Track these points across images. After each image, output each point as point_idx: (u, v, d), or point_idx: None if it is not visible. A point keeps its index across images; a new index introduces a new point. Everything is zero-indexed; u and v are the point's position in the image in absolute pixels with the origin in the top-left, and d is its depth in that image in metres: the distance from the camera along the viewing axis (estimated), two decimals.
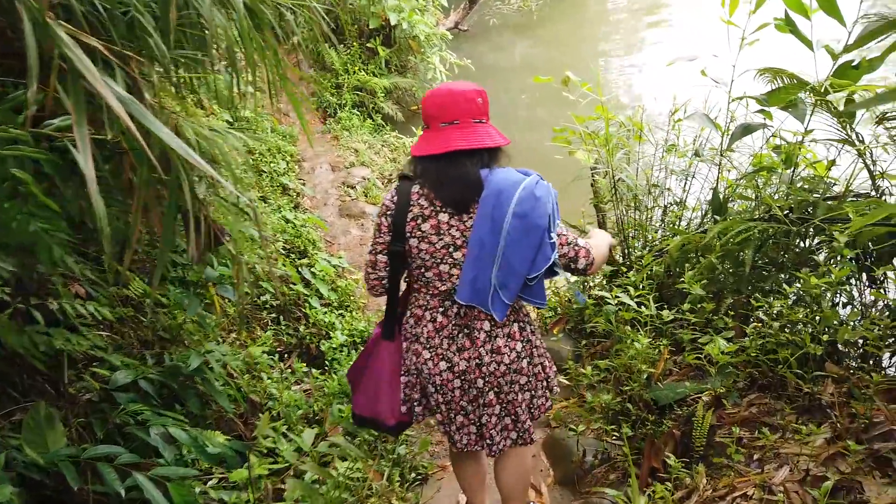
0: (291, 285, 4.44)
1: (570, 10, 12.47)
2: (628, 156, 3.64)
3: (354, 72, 7.58)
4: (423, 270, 1.83)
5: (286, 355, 4.12)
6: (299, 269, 4.68)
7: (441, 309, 1.86)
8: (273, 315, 4.25)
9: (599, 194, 3.77)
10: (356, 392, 2.08)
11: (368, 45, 7.66)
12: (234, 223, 3.40)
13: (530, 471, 2.23)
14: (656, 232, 3.54)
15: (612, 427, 2.51)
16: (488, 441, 1.93)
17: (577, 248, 1.81)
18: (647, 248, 3.39)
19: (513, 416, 1.94)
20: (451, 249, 1.78)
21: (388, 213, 1.82)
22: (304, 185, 6.19)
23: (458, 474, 2.28)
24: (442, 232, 1.77)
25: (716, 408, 2.15)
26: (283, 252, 4.77)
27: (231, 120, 6.28)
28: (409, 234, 1.79)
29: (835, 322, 2.04)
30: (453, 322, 1.85)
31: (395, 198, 1.81)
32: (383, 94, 7.60)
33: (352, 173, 6.39)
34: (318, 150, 6.87)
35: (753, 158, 3.12)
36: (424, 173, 1.78)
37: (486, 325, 1.84)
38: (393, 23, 7.32)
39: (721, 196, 2.91)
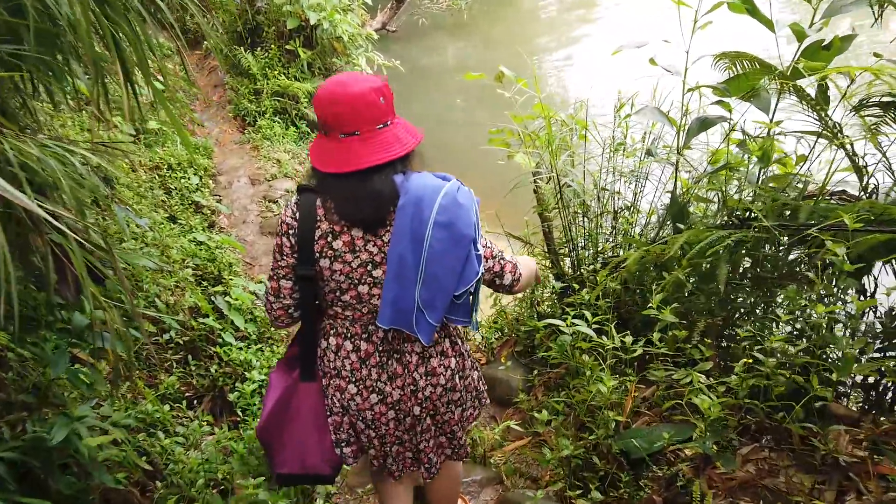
0: (203, 317, 3.89)
1: (500, 9, 12.20)
2: (572, 157, 3.27)
3: (274, 76, 7.02)
4: (338, 294, 1.65)
5: (196, 401, 3.58)
6: (212, 297, 4.13)
7: (364, 335, 1.69)
8: (180, 355, 3.70)
9: (543, 201, 3.39)
10: (276, 449, 1.82)
11: (288, 47, 7.11)
12: (125, 255, 2.85)
13: (460, 482, 2.18)
14: (608, 241, 3.18)
15: (578, 488, 2.10)
16: (426, 465, 1.84)
17: (503, 261, 1.70)
18: (600, 261, 3.02)
19: (448, 435, 1.86)
20: (369, 267, 1.60)
21: (291, 231, 1.61)
22: (219, 201, 5.61)
23: (385, 501, 2.08)
24: (357, 249, 1.59)
25: (703, 466, 1.76)
26: (194, 279, 4.21)
27: (134, 133, 5.66)
28: (318, 255, 1.60)
29: (845, 355, 1.68)
30: (380, 348, 1.69)
31: (298, 214, 1.60)
32: (307, 100, 7.06)
33: (274, 186, 5.84)
34: (237, 162, 6.29)
35: (711, 156, 2.80)
36: (329, 190, 1.59)
37: (418, 347, 1.69)
38: (313, 22, 6.81)
39: (680, 200, 2.56)
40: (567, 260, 3.41)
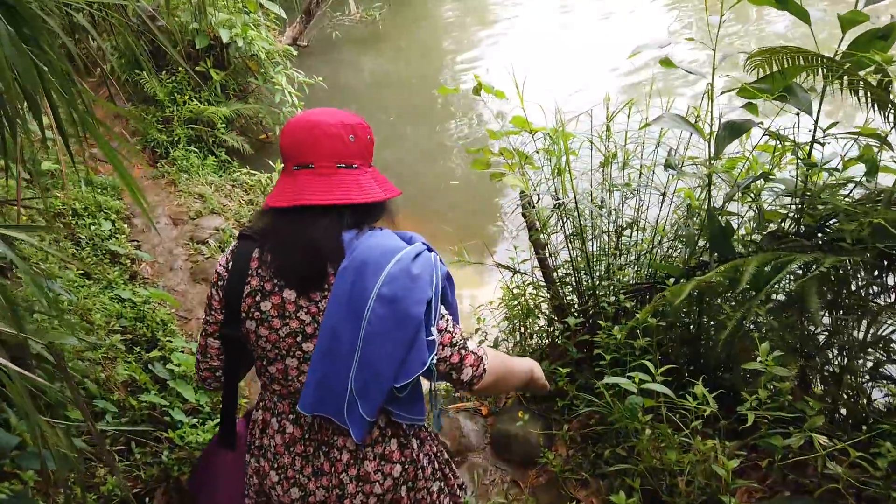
0: (142, 393, 3.26)
1: (411, 21, 11.86)
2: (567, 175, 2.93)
3: (185, 101, 6.34)
4: (265, 363, 1.41)
5: (147, 498, 2.96)
6: (150, 365, 3.50)
7: (292, 415, 1.43)
8: (121, 444, 3.07)
9: (536, 227, 3.04)
10: None
11: (198, 68, 6.45)
12: (46, 333, 2.26)
13: None
14: (620, 268, 2.86)
15: None
16: None
17: (463, 351, 1.37)
18: (619, 290, 2.69)
19: None
20: (299, 339, 1.35)
21: (220, 283, 1.41)
22: (138, 247, 4.92)
23: None
24: (288, 315, 1.34)
25: None
26: (124, 346, 3.56)
27: (28, 176, 4.87)
28: (244, 315, 1.37)
29: None
30: (307, 436, 1.42)
31: (231, 264, 1.39)
32: (224, 125, 6.42)
33: (200, 225, 5.20)
34: (152, 199, 5.58)
35: (727, 163, 2.54)
36: (264, 233, 1.37)
37: (351, 443, 1.39)
38: (225, 41, 6.20)
39: (722, 220, 2.26)
40: (568, 289, 3.07)
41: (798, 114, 2.09)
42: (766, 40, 8.08)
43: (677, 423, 2.01)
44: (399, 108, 8.44)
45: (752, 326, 2.13)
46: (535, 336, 3.41)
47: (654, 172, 2.93)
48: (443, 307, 1.38)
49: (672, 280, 2.22)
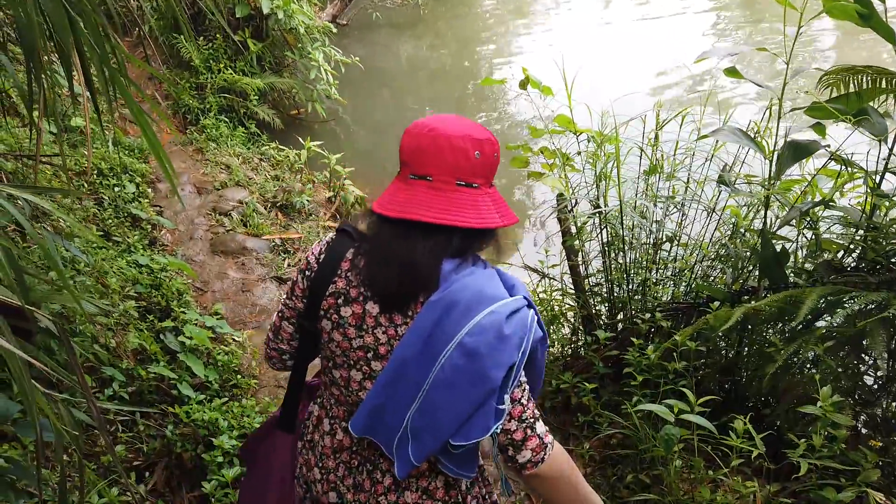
0: (151, 364, 3.19)
1: (451, 9, 11.69)
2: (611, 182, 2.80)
3: (219, 70, 6.26)
4: (330, 366, 1.33)
5: (147, 472, 2.89)
6: (161, 335, 3.43)
7: (344, 423, 1.37)
8: (125, 415, 3.00)
9: (571, 233, 2.91)
10: (247, 475, 1.66)
11: (236, 37, 6.36)
12: (57, 297, 2.18)
13: None
14: (656, 283, 2.72)
15: None
16: None
17: (529, 431, 1.23)
18: (653, 308, 2.56)
19: None
20: (369, 355, 1.27)
21: (308, 273, 1.34)
22: (160, 213, 4.85)
23: None
24: (365, 328, 1.26)
25: None
26: (137, 312, 3.50)
27: (55, 131, 4.82)
28: (323, 312, 1.29)
29: None
30: (355, 447, 1.36)
31: (323, 256, 1.32)
32: (257, 97, 6.34)
33: (224, 196, 5.12)
34: (178, 166, 5.52)
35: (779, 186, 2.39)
36: (364, 237, 1.28)
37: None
38: (265, 11, 6.10)
39: (775, 246, 2.12)
40: (597, 299, 2.94)
41: (880, 140, 1.94)
42: (816, 60, 7.83)
43: (712, 456, 1.89)
44: (433, 98, 8.32)
45: (799, 363, 2.00)
46: (556, 343, 3.29)
47: (700, 187, 2.79)
48: (523, 373, 1.24)
49: (717, 303, 2.09)
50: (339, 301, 1.27)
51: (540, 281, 3.17)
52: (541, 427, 1.26)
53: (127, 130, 5.98)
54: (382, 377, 1.23)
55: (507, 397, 1.19)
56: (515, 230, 5.35)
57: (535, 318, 1.23)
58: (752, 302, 2.18)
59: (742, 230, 2.69)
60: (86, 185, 4.46)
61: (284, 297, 1.40)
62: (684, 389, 1.84)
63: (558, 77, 2.87)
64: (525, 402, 1.24)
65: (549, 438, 1.26)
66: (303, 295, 1.35)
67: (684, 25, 9.69)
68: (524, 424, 1.23)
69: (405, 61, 9.63)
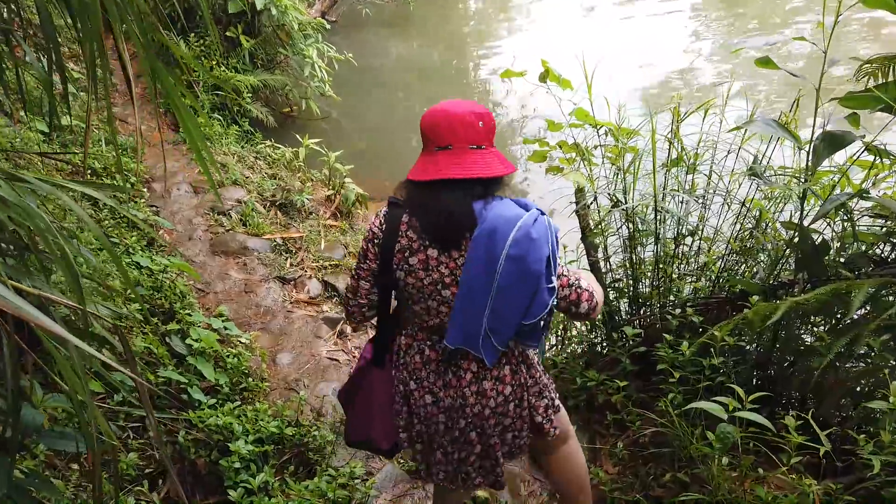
0: (159, 368, 3.10)
1: (440, 7, 11.61)
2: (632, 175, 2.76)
3: (211, 67, 6.13)
4: (410, 303, 1.76)
5: (160, 479, 2.80)
6: (167, 338, 3.34)
7: (429, 342, 1.80)
8: (137, 419, 2.90)
9: (591, 229, 2.87)
10: (349, 414, 2.01)
11: (228, 34, 6.25)
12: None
13: None
14: (680, 278, 2.69)
15: None
16: (463, 476, 1.91)
17: (579, 290, 1.72)
18: (684, 304, 2.52)
19: (492, 460, 1.88)
20: (439, 287, 1.69)
21: (375, 240, 1.74)
22: (157, 213, 4.73)
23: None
24: (430, 268, 1.68)
25: None
26: (141, 316, 3.39)
27: (47, 131, 4.68)
28: (395, 266, 1.71)
29: None
30: (440, 357, 1.78)
31: (384, 225, 1.72)
32: (250, 95, 6.23)
33: (222, 195, 5.01)
34: (172, 165, 5.39)
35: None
36: (411, 201, 1.70)
37: (474, 367, 1.77)
38: (258, 7, 5.99)
39: (813, 238, 2.09)
40: (615, 295, 2.90)
41: None
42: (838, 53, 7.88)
43: (757, 454, 1.85)
44: (425, 95, 8.25)
45: (845, 358, 1.96)
46: (573, 340, 3.25)
47: (721, 180, 2.76)
48: (560, 257, 1.69)
49: (756, 298, 2.05)
50: (406, 254, 1.67)
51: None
52: (584, 283, 1.72)
53: (118, 129, 5.83)
54: (459, 298, 1.63)
55: (553, 277, 1.62)
56: None
57: (548, 218, 1.65)
58: (788, 296, 2.15)
59: (766, 224, 2.67)
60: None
61: (357, 263, 1.77)
62: (733, 386, 1.79)
63: (560, 70, 2.82)
64: (567, 273, 1.71)
65: (588, 286, 1.73)
66: (374, 257, 1.73)
67: (669, 20, 9.71)
68: (572, 287, 1.70)
69: (395, 59, 9.54)
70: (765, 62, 2.24)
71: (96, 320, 2.69)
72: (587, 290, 1.72)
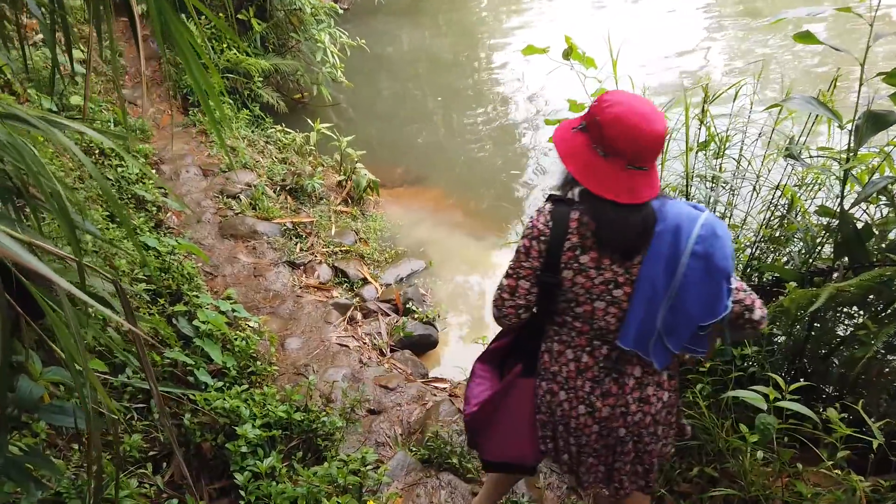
0: (164, 349, 3.01)
1: None
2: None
3: (222, 49, 6.05)
4: (573, 305, 1.66)
5: (164, 462, 2.72)
6: (174, 320, 3.25)
7: (588, 348, 1.71)
8: (141, 401, 2.82)
9: None
10: (483, 437, 1.92)
11: (239, 16, 6.15)
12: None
13: None
14: None
15: None
16: (616, 485, 1.84)
17: (752, 295, 1.62)
18: None
19: (646, 465, 1.81)
20: (611, 286, 1.60)
21: (542, 237, 1.62)
22: (165, 195, 4.65)
23: None
24: (603, 266, 1.59)
25: None
26: (148, 296, 3.31)
27: (54, 109, 4.60)
28: (563, 265, 1.61)
29: None
30: (601, 364, 1.70)
31: (551, 223, 1.61)
32: (261, 79, 6.14)
33: (231, 179, 4.93)
34: (181, 148, 5.31)
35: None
36: (596, 213, 1.55)
37: (637, 371, 1.69)
38: None
39: (855, 222, 1.98)
40: None
41: None
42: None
43: (794, 446, 1.75)
44: (436, 84, 8.14)
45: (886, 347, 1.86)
46: None
47: (751, 164, 2.66)
48: None
49: (793, 284, 1.95)
50: (577, 252, 1.57)
51: None
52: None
53: (127, 111, 5.76)
54: (638, 297, 1.56)
55: (733, 278, 1.55)
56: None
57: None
58: (826, 283, 2.05)
59: (797, 210, 2.56)
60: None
61: (516, 262, 1.66)
62: (772, 375, 1.69)
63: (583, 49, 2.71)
64: (738, 277, 1.62)
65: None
66: (539, 255, 1.61)
67: (680, 21, 9.55)
68: (747, 291, 1.60)
69: (407, 47, 9.43)
70: (804, 36, 2.13)
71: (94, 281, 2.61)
72: (757, 297, 1.61)
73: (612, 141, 1.48)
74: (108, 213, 3.86)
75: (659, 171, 1.60)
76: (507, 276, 1.69)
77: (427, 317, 3.89)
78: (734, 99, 2.66)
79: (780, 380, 1.65)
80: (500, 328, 1.90)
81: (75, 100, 4.93)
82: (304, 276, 4.17)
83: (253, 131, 5.89)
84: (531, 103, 7.54)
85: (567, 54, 2.77)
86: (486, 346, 1.99)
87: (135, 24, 1.74)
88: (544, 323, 1.76)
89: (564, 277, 1.61)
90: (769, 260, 2.63)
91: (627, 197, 1.50)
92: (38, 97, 4.72)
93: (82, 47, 6.46)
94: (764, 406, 1.60)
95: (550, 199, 1.65)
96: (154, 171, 4.81)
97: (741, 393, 1.64)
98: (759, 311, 1.59)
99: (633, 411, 1.69)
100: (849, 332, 2.16)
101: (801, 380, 2.18)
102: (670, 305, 1.55)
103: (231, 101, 6.02)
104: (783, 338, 2.21)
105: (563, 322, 1.71)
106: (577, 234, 1.57)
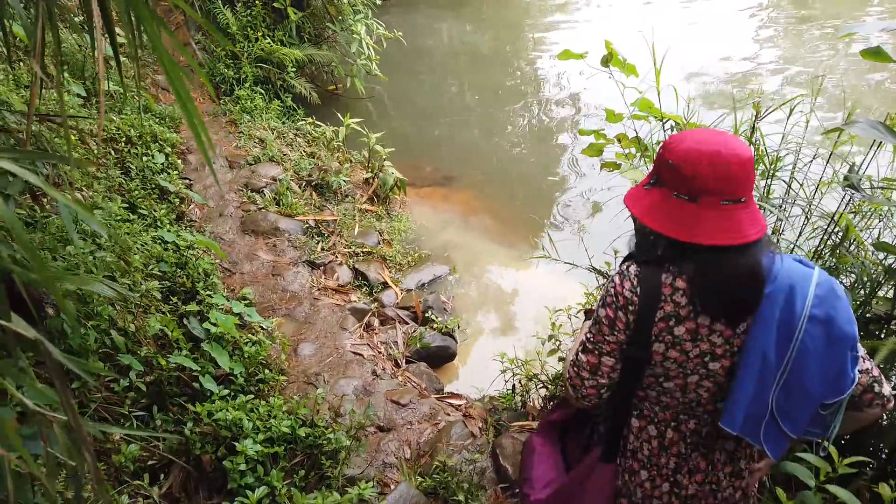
0: (171, 352, 2.92)
1: None
2: None
3: (257, 38, 5.96)
4: (661, 381, 1.46)
5: (162, 473, 2.62)
6: (185, 319, 3.16)
7: (673, 423, 1.51)
8: (143, 407, 2.73)
9: None
10: None
11: (275, 5, 6.05)
12: (72, 279, 1.88)
13: None
14: None
15: None
16: None
17: (877, 368, 1.38)
18: None
19: None
20: (706, 359, 1.39)
21: (630, 307, 1.38)
22: (190, 186, 4.58)
23: None
24: (700, 338, 1.37)
25: None
26: (161, 293, 3.22)
27: (84, 94, 4.56)
28: (654, 337, 1.39)
29: None
30: (688, 440, 1.51)
31: (639, 289, 1.36)
32: (294, 69, 6.04)
33: (257, 172, 4.84)
34: (210, 137, 5.23)
35: None
36: (696, 266, 1.33)
37: (730, 445, 1.50)
38: None
39: None
40: None
41: None
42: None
43: None
44: (475, 81, 7.95)
45: None
46: None
47: (803, 188, 2.43)
48: None
49: None
50: (671, 323, 1.37)
51: (602, 285, 2.83)
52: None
53: (159, 97, 5.72)
54: (747, 373, 1.34)
55: (859, 346, 1.34)
56: (579, 226, 4.98)
57: None
58: (884, 333, 1.82)
59: (851, 241, 2.32)
60: (113, 153, 4.19)
61: (596, 335, 1.44)
62: (827, 444, 1.48)
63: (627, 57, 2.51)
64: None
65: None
66: (625, 328, 1.41)
67: (728, 27, 9.13)
68: (872, 363, 1.38)
69: (447, 42, 9.25)
70: (874, 53, 1.89)
71: (100, 298, 2.51)
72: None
73: (693, 178, 1.28)
74: (127, 204, 3.79)
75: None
76: (586, 350, 1.48)
77: (446, 327, 3.73)
78: (788, 116, 2.42)
79: (833, 451, 1.44)
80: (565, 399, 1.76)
81: (106, 85, 4.89)
82: (323, 277, 4.05)
83: (284, 122, 5.79)
84: (573, 104, 7.31)
85: (606, 61, 2.57)
86: (546, 416, 1.82)
87: None
88: (624, 399, 1.54)
89: (655, 351, 1.41)
90: None
91: (727, 237, 1.29)
92: (70, 82, 4.69)
93: (120, 31, 6.46)
94: (812, 483, 1.40)
95: (632, 258, 1.43)
96: (180, 162, 4.74)
97: (789, 466, 1.45)
98: (888, 387, 1.37)
99: (724, 487, 1.52)
100: None
101: (853, 438, 1.96)
102: (784, 382, 1.34)
103: (262, 92, 5.94)
104: None
105: (646, 396, 1.52)
106: (670, 302, 1.37)
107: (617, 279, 1.40)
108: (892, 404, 1.37)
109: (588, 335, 1.47)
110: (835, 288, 1.32)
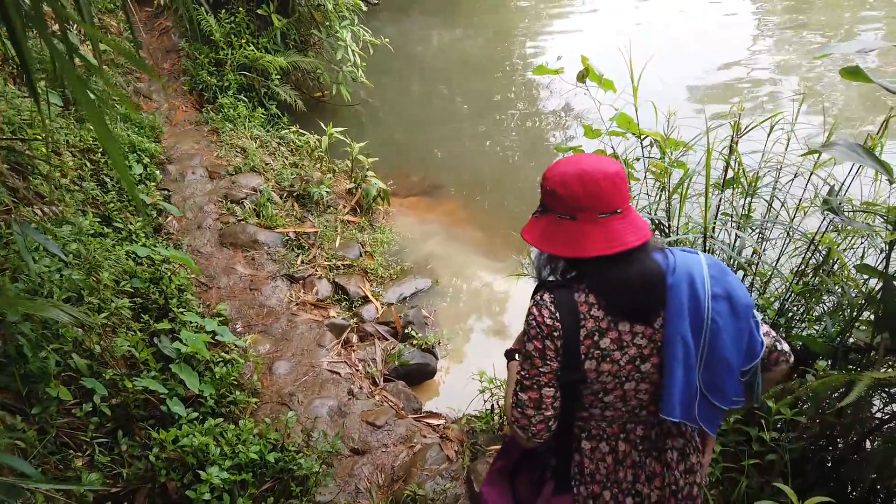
0: (140, 373, 2.84)
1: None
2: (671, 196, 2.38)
3: (240, 45, 5.88)
4: (601, 396, 1.47)
5: (126, 502, 2.54)
6: (156, 338, 3.08)
7: (622, 434, 1.54)
8: (108, 431, 2.65)
9: None
10: None
11: (259, 11, 5.98)
12: (24, 304, 1.82)
13: None
14: None
15: None
16: None
17: (772, 329, 1.52)
18: None
19: None
20: (637, 363, 1.44)
21: (555, 333, 1.41)
22: (168, 198, 4.50)
23: None
24: (625, 344, 1.42)
25: None
26: (131, 311, 3.14)
27: (61, 104, 4.47)
28: (584, 356, 1.42)
29: None
30: (639, 447, 1.54)
31: (558, 314, 1.40)
32: (279, 77, 5.96)
33: (237, 182, 4.75)
34: (191, 147, 5.16)
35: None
36: (592, 280, 1.41)
37: (679, 442, 1.55)
38: None
39: None
40: None
41: None
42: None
43: None
44: (464, 88, 7.88)
45: None
46: None
47: (785, 206, 2.37)
48: None
49: (822, 363, 1.66)
50: (596, 337, 1.40)
51: None
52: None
53: (140, 106, 5.63)
54: (673, 361, 1.40)
55: (757, 313, 1.45)
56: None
57: None
58: (863, 363, 1.76)
59: (834, 261, 2.26)
60: (88, 164, 4.11)
61: (530, 370, 1.44)
62: (784, 488, 1.41)
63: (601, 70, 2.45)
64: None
65: None
66: (556, 354, 1.42)
67: (724, 35, 9.06)
68: (767, 325, 1.50)
69: (437, 48, 9.17)
70: (853, 72, 1.83)
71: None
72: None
73: (568, 198, 1.38)
74: (100, 218, 3.71)
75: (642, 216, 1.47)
76: (524, 388, 1.47)
77: (427, 343, 3.65)
78: (769, 133, 2.36)
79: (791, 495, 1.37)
80: (507, 443, 1.75)
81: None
82: (302, 291, 3.97)
83: (267, 131, 5.72)
84: (563, 114, 7.24)
85: (583, 76, 2.51)
86: (491, 466, 1.79)
87: None
88: (567, 426, 1.53)
89: (588, 369, 1.43)
90: (800, 313, 2.33)
91: (606, 246, 1.36)
92: (46, 91, 4.60)
93: (101, 37, 6.37)
94: None
95: (545, 285, 1.46)
96: (159, 173, 4.66)
97: None
98: (786, 344, 1.50)
99: (682, 486, 1.54)
100: (887, 415, 1.86)
101: (831, 469, 1.90)
102: (705, 360, 1.42)
103: (246, 100, 5.86)
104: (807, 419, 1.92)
105: (591, 416, 1.52)
106: (590, 318, 1.41)
107: (535, 310, 1.43)
108: (793, 359, 1.50)
109: (522, 372, 1.47)
110: (722, 266, 1.44)
